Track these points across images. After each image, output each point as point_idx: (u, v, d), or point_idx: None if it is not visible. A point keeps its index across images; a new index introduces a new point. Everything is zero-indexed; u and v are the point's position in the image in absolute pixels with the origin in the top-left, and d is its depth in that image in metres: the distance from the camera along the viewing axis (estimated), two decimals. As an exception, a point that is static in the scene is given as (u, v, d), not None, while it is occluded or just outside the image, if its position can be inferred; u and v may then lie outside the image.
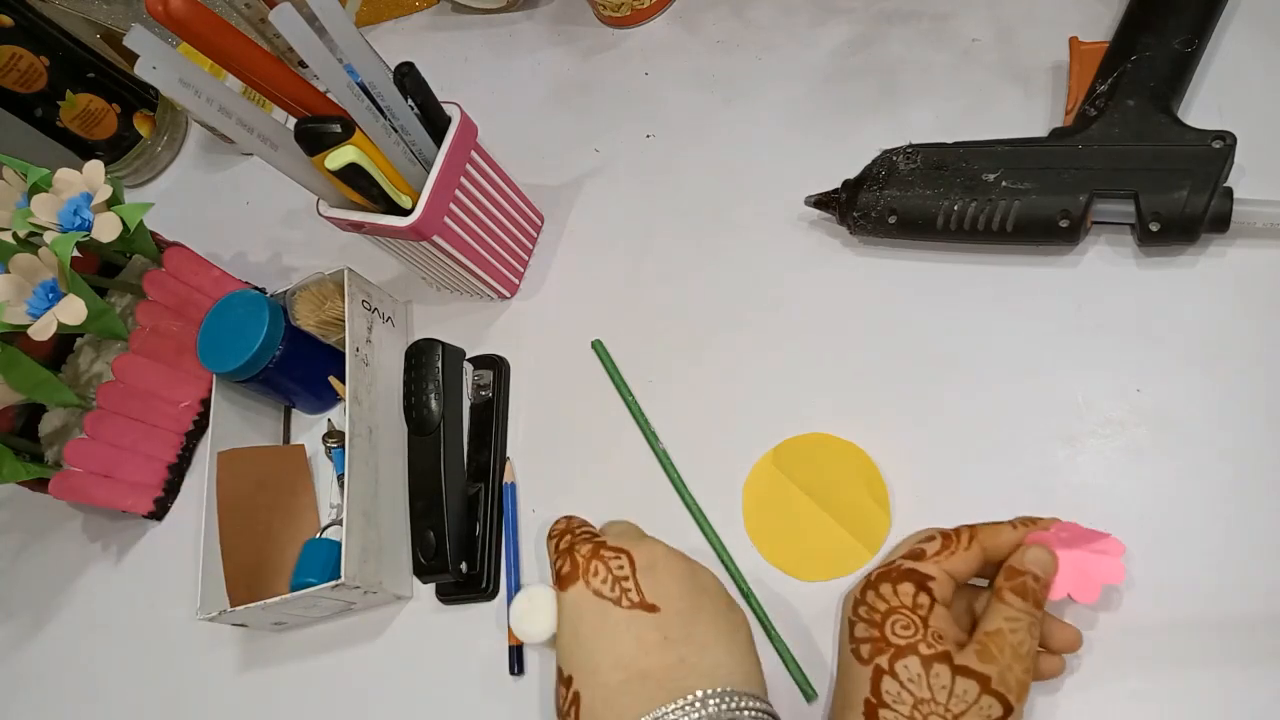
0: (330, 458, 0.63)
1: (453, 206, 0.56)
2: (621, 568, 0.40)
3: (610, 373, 0.57)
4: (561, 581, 0.41)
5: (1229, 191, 0.45)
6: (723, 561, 0.50)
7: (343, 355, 0.59)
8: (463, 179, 0.56)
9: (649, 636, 0.38)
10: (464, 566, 0.54)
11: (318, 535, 0.60)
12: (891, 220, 0.52)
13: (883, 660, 0.37)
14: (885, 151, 0.54)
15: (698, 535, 0.51)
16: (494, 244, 0.61)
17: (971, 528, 0.41)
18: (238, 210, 0.80)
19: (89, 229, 0.61)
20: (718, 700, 0.36)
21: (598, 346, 0.58)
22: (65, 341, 0.69)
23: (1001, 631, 0.37)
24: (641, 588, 0.39)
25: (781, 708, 0.45)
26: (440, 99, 0.55)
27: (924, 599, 0.38)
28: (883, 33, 0.62)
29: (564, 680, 0.39)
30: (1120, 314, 0.48)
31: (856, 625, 0.40)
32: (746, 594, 0.49)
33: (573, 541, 0.42)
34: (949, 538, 0.41)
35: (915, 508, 0.48)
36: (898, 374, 0.51)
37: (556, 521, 0.46)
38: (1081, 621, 0.42)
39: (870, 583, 0.40)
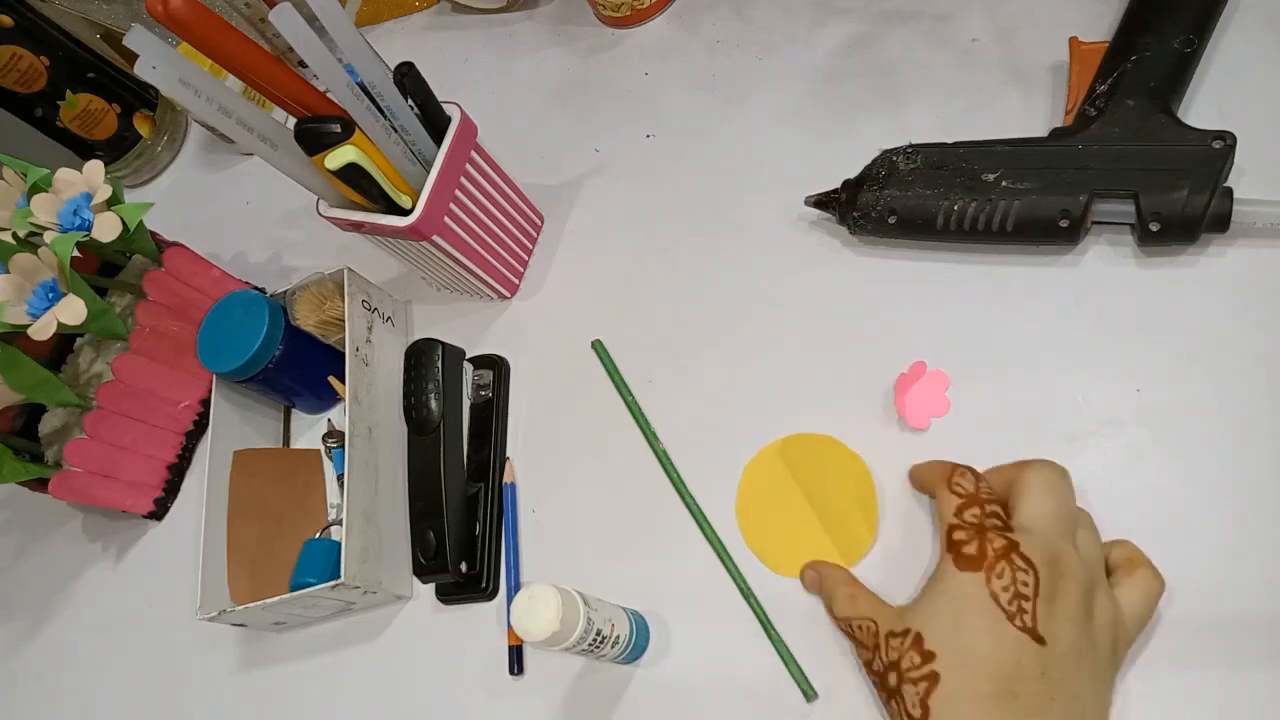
0: (330, 458, 0.63)
1: (453, 206, 0.56)
2: (1026, 585, 0.37)
3: (610, 373, 0.57)
4: (961, 561, 0.39)
5: (1229, 191, 0.45)
6: (723, 561, 0.50)
7: (343, 355, 0.59)
8: (463, 179, 0.56)
9: (1030, 665, 0.36)
10: (464, 566, 0.54)
11: (317, 535, 0.60)
12: (891, 220, 0.52)
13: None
14: (885, 151, 0.53)
15: (697, 535, 0.51)
16: (494, 244, 0.61)
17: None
18: (238, 210, 0.80)
19: (89, 229, 0.61)
20: None
21: (598, 346, 0.58)
22: (65, 341, 0.69)
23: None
24: (1038, 616, 0.37)
25: (782, 708, 0.46)
26: (440, 99, 0.55)
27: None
28: (883, 33, 0.62)
29: (917, 645, 0.39)
30: (1120, 314, 0.48)
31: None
32: (746, 593, 0.49)
33: (984, 523, 0.40)
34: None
35: (914, 507, 0.48)
36: (897, 374, 0.51)
37: (961, 474, 0.43)
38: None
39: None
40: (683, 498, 0.52)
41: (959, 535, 0.40)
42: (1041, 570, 0.38)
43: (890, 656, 0.40)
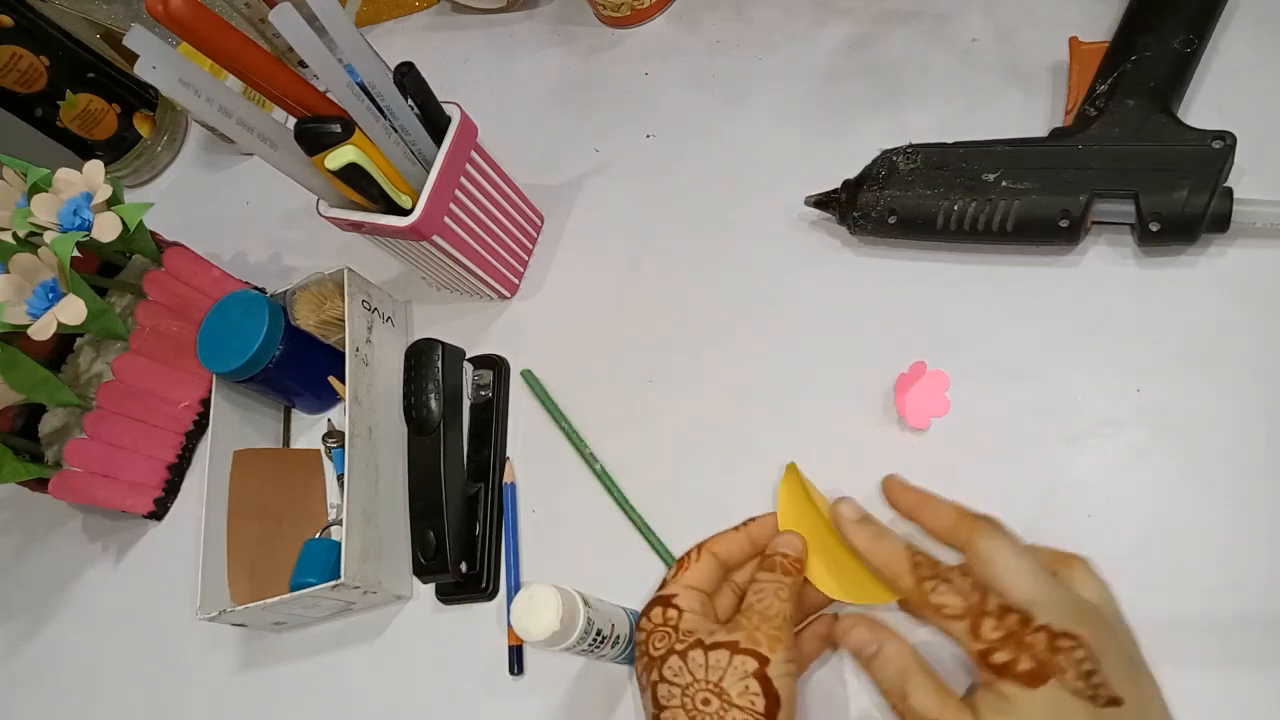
0: (330, 458, 0.63)
1: (453, 206, 0.56)
2: (1084, 660, 0.36)
3: (543, 400, 0.58)
4: (1027, 678, 0.36)
5: (1229, 191, 0.45)
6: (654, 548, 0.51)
7: (343, 355, 0.59)
8: (463, 179, 0.56)
9: None
10: (464, 566, 0.54)
11: (317, 535, 0.60)
12: (891, 220, 0.52)
13: (654, 673, 0.42)
14: (885, 151, 0.54)
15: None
16: (494, 244, 0.61)
17: (701, 543, 0.46)
18: (238, 210, 0.80)
19: (89, 229, 0.61)
20: None
21: (528, 376, 0.59)
22: (65, 341, 0.69)
23: (750, 605, 0.42)
24: (1109, 680, 0.35)
25: None
26: (440, 99, 0.55)
27: (672, 613, 0.43)
28: (883, 33, 0.62)
29: None
30: (1120, 314, 0.48)
31: (637, 663, 0.44)
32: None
33: (1009, 628, 0.37)
34: (682, 559, 0.46)
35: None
36: (897, 374, 0.51)
37: (935, 590, 0.39)
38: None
39: (636, 623, 0.45)
40: (632, 519, 0.53)
41: (1001, 657, 0.36)
42: (1083, 635, 0.36)
43: None
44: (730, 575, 0.47)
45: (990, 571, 0.39)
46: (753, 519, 0.47)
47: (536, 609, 0.41)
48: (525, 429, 0.59)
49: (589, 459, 0.55)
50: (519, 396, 0.60)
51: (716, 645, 0.40)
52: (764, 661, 0.40)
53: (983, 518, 0.41)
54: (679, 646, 0.41)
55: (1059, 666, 0.35)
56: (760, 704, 0.39)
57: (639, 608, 0.50)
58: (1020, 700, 0.36)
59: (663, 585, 0.45)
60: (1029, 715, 0.36)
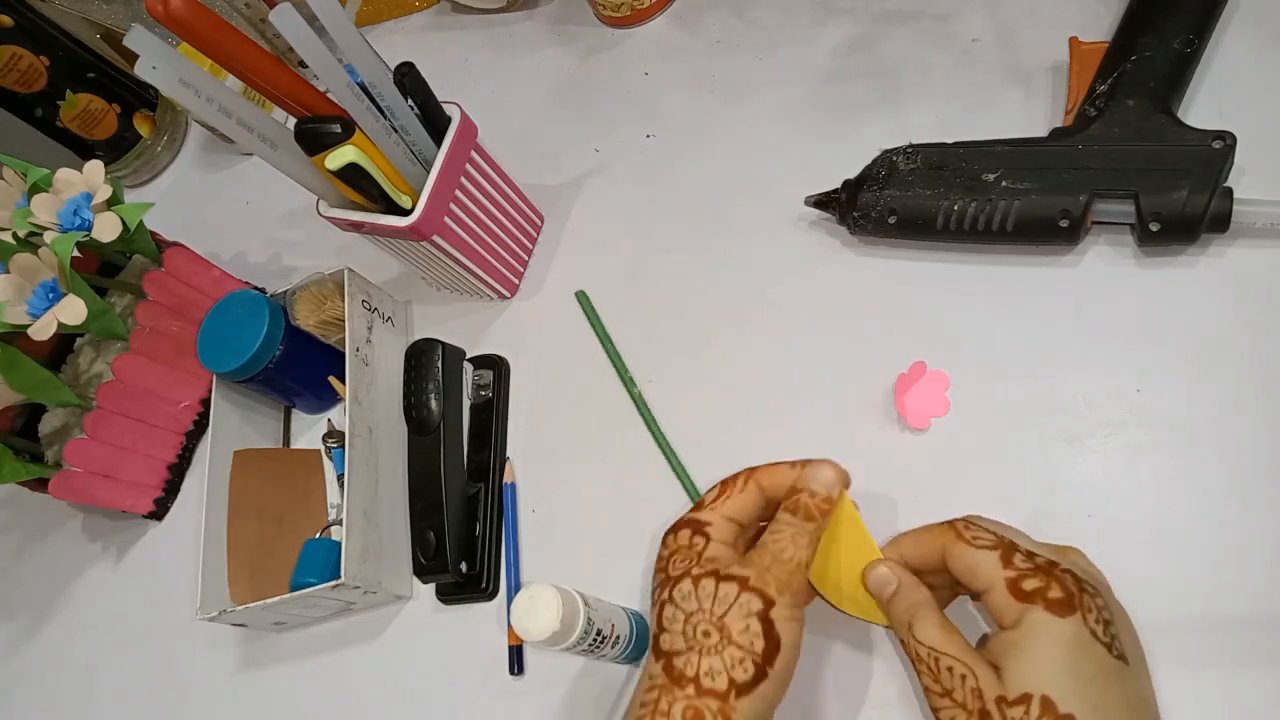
0: (330, 458, 0.63)
1: (453, 206, 0.56)
2: (1105, 609, 0.36)
3: (593, 323, 0.58)
4: (1054, 606, 0.36)
5: (1229, 191, 0.45)
6: None
7: (343, 355, 0.59)
8: (463, 179, 0.56)
9: (1131, 693, 0.36)
10: (464, 566, 0.54)
11: (317, 535, 0.60)
12: (891, 220, 0.52)
13: (664, 592, 0.41)
14: (885, 151, 0.53)
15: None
16: (494, 244, 0.61)
17: (750, 469, 0.45)
18: (238, 210, 0.80)
19: (89, 229, 0.61)
20: None
21: (581, 297, 0.59)
22: (65, 341, 0.69)
23: (764, 543, 0.41)
24: (1119, 636, 0.36)
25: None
26: (440, 99, 0.55)
27: (699, 540, 0.42)
28: (883, 33, 0.62)
29: (1049, 711, 0.35)
30: (1120, 314, 0.48)
31: (653, 578, 0.43)
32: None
33: (1040, 565, 0.37)
34: (726, 483, 0.45)
35: (913, 506, 0.48)
36: (897, 374, 0.51)
37: (967, 525, 0.40)
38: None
39: (662, 538, 0.44)
40: (683, 483, 0.53)
41: (1032, 583, 0.37)
42: (1102, 590, 0.37)
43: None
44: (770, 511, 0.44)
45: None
46: (809, 460, 0.44)
47: (536, 609, 0.41)
48: (525, 429, 0.59)
49: (628, 383, 0.56)
50: (519, 396, 0.60)
51: (729, 578, 0.40)
52: (769, 603, 0.39)
53: (969, 515, 0.41)
54: (695, 571, 0.41)
55: (1085, 604, 0.36)
56: (759, 645, 0.39)
57: (639, 608, 0.50)
58: (1046, 627, 0.36)
59: (699, 505, 0.44)
60: (1052, 643, 0.35)
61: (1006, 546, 0.38)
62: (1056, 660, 0.35)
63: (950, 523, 0.41)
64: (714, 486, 0.45)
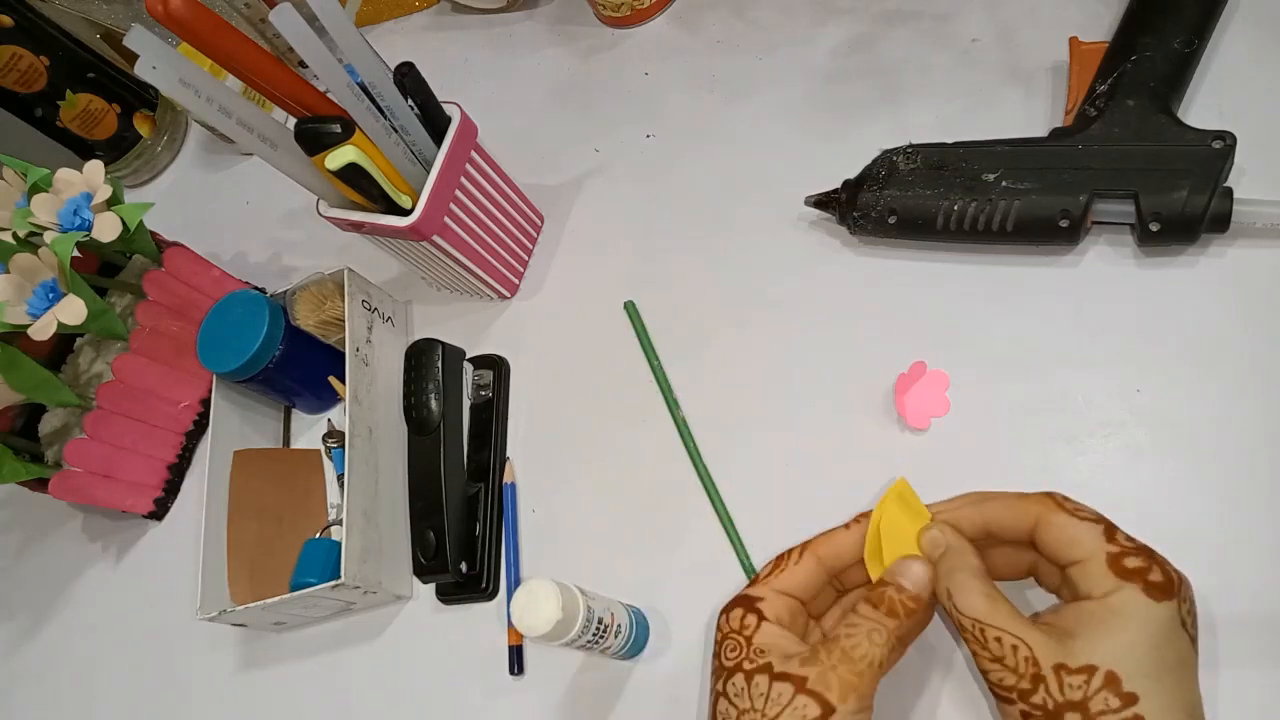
0: (330, 458, 0.63)
1: (453, 206, 0.56)
2: (1193, 603, 0.36)
3: (639, 335, 0.57)
4: (1152, 590, 0.35)
5: (1229, 191, 0.45)
6: (740, 559, 0.50)
7: (343, 355, 0.59)
8: (463, 179, 0.56)
9: (1197, 688, 0.36)
10: (464, 566, 0.54)
11: (317, 535, 0.60)
12: (891, 220, 0.52)
13: (719, 684, 0.40)
14: (885, 151, 0.53)
15: (696, 533, 0.51)
16: (494, 244, 0.61)
17: (806, 542, 0.42)
18: (238, 210, 0.80)
19: (89, 229, 0.61)
20: None
21: (630, 308, 0.58)
22: (65, 341, 0.69)
23: (837, 637, 0.38)
24: (1196, 630, 0.36)
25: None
26: (440, 99, 0.55)
27: (751, 619, 0.40)
28: (883, 33, 0.62)
29: (1112, 686, 0.34)
30: (1120, 314, 0.48)
31: (712, 661, 0.42)
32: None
33: (1142, 547, 0.37)
34: (780, 558, 0.43)
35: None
36: (897, 374, 0.51)
37: (1065, 497, 0.39)
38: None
39: (718, 617, 0.42)
40: (699, 472, 0.52)
41: (1135, 562, 0.36)
42: (1190, 582, 0.36)
43: (1069, 695, 0.34)
44: (837, 578, 0.43)
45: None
46: (864, 514, 0.42)
47: (536, 603, 0.41)
48: (525, 429, 0.59)
49: (672, 405, 0.55)
50: (519, 396, 0.60)
51: (784, 677, 0.37)
52: (828, 710, 0.36)
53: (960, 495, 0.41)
54: (747, 665, 0.39)
55: (1184, 593, 0.36)
56: None
57: (640, 606, 0.50)
58: (1139, 608, 0.35)
59: (754, 580, 0.42)
60: (1143, 624, 0.35)
61: (1109, 523, 0.38)
62: (1139, 640, 0.34)
63: (1049, 493, 0.39)
64: (770, 560, 0.43)
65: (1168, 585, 0.35)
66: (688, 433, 0.54)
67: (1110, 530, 0.37)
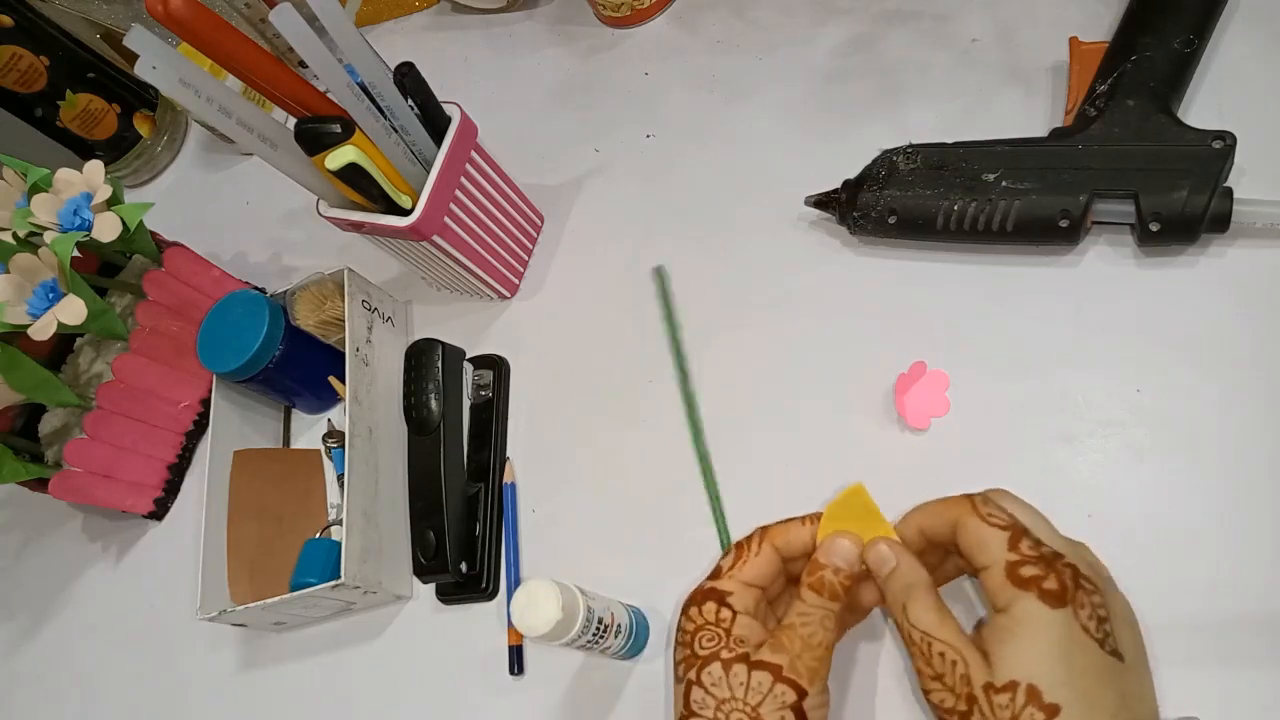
0: (330, 458, 0.63)
1: (453, 206, 0.56)
2: (1100, 606, 0.37)
3: (664, 302, 0.58)
4: (1048, 598, 0.36)
5: (1229, 191, 0.45)
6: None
7: (343, 355, 0.59)
8: (463, 179, 0.56)
9: (1126, 690, 0.36)
10: (464, 566, 0.54)
11: (317, 535, 0.60)
12: (891, 220, 0.52)
13: (692, 673, 0.41)
14: (885, 151, 0.53)
15: (696, 531, 0.51)
16: (494, 244, 0.61)
17: (762, 530, 0.44)
18: (238, 210, 0.80)
19: (89, 229, 0.61)
20: None
21: (660, 272, 0.59)
22: (65, 341, 0.69)
23: (793, 625, 0.40)
24: (1116, 635, 0.37)
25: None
26: (440, 99, 0.55)
27: (725, 614, 0.41)
28: (882, 33, 0.62)
29: (1034, 700, 0.35)
30: (1120, 314, 0.48)
31: (675, 650, 0.43)
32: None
33: (1042, 552, 0.38)
34: (739, 547, 0.44)
35: (912, 505, 0.48)
36: (897, 374, 0.51)
37: (985, 501, 0.40)
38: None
39: (683, 608, 0.43)
40: (711, 496, 0.52)
41: (1031, 570, 0.37)
42: (1101, 585, 0.37)
43: (999, 715, 0.36)
44: (788, 568, 0.45)
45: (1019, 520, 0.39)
46: (818, 514, 0.44)
47: (537, 603, 0.41)
48: (525, 429, 0.59)
49: (684, 374, 0.55)
50: (519, 396, 0.60)
51: (761, 665, 0.39)
52: (802, 694, 0.39)
53: (996, 489, 0.41)
54: (725, 655, 0.40)
55: (1079, 600, 0.36)
56: None
57: (640, 606, 0.50)
58: (1036, 617, 0.36)
59: (716, 573, 0.44)
60: (1043, 632, 0.36)
61: (1017, 530, 0.38)
62: (1045, 650, 0.36)
63: (969, 495, 0.40)
64: (728, 550, 0.45)
65: (1060, 592, 0.36)
66: (694, 407, 0.54)
67: (1016, 537, 0.38)
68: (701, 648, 0.41)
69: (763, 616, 0.43)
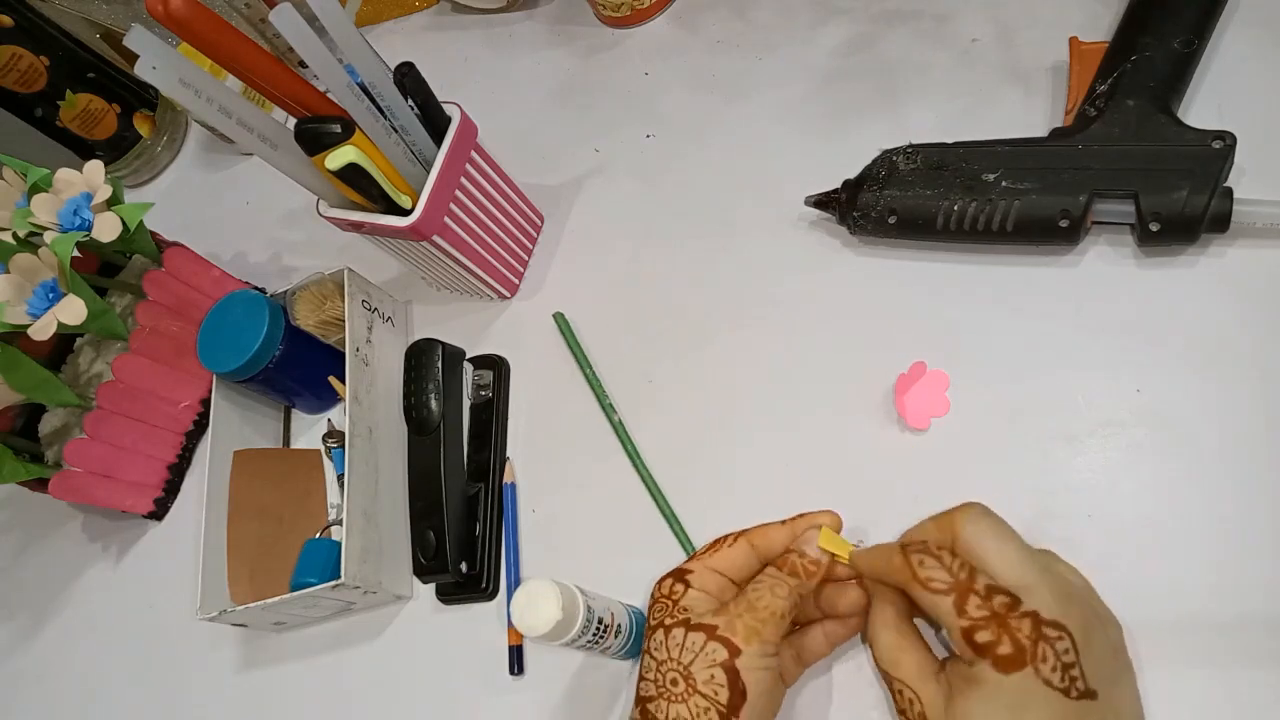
0: (330, 458, 0.63)
1: (453, 206, 0.56)
2: (1068, 651, 0.35)
3: (570, 344, 0.59)
4: (1002, 664, 0.35)
5: (1229, 191, 0.45)
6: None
7: (343, 355, 0.59)
8: (463, 179, 0.56)
9: None
10: (464, 566, 0.54)
11: (317, 535, 0.60)
12: (891, 220, 0.52)
13: (647, 644, 0.42)
14: (885, 151, 0.54)
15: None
16: (494, 244, 0.61)
17: (742, 530, 0.45)
18: (238, 210, 0.80)
19: (89, 229, 0.61)
20: None
21: (559, 319, 0.59)
22: (65, 341, 0.69)
23: (743, 593, 0.41)
24: (1086, 674, 0.35)
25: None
26: (440, 99, 0.55)
27: (679, 588, 0.43)
28: (882, 33, 0.62)
29: None
30: (1120, 314, 0.48)
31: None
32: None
33: (994, 609, 0.36)
34: (717, 541, 0.45)
35: (912, 505, 0.48)
36: (897, 374, 0.51)
37: (920, 562, 0.38)
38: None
39: (651, 592, 0.45)
40: (657, 502, 0.53)
41: (984, 636, 0.36)
42: (1070, 626, 0.36)
43: None
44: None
45: (979, 554, 0.38)
46: (801, 515, 0.45)
47: (536, 603, 0.41)
48: (525, 429, 0.59)
49: (608, 409, 0.56)
50: (519, 396, 0.60)
51: (698, 627, 0.40)
52: (735, 652, 0.39)
53: (965, 504, 0.40)
54: (668, 621, 0.41)
55: (1039, 654, 0.35)
56: (723, 695, 0.39)
57: (640, 606, 0.50)
58: (989, 683, 0.35)
59: (691, 558, 0.45)
60: (993, 698, 0.35)
61: (960, 589, 0.37)
62: (998, 712, 0.35)
63: (906, 557, 0.39)
64: (708, 543, 0.46)
65: (1017, 657, 0.35)
66: (631, 445, 0.55)
67: (961, 600, 0.37)
68: (653, 618, 0.43)
69: (720, 596, 0.43)
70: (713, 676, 0.39)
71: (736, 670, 0.39)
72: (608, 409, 0.56)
